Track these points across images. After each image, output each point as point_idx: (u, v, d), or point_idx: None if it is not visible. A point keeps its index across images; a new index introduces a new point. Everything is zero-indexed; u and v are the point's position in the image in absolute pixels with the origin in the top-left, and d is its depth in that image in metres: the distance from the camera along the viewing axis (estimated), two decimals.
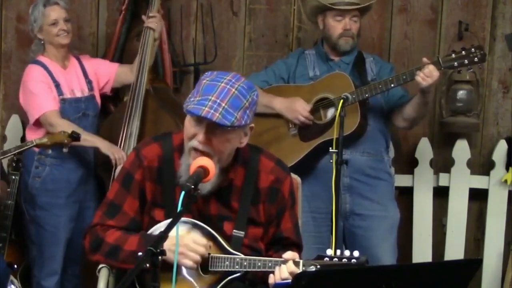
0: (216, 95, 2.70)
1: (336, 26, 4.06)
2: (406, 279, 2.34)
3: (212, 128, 2.72)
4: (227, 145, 2.78)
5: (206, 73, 2.84)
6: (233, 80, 2.78)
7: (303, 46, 4.57)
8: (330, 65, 4.12)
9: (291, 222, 2.98)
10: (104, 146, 4.15)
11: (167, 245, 2.58)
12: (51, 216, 4.21)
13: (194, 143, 2.75)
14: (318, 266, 2.63)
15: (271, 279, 2.73)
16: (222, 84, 2.75)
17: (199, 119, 2.72)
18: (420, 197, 4.69)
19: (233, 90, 2.74)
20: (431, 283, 2.38)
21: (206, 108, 2.68)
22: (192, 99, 2.73)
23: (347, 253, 2.64)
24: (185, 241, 2.74)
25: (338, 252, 2.66)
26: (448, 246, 4.66)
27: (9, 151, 3.93)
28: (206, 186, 2.77)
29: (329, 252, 2.66)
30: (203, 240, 2.80)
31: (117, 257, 2.89)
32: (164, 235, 2.40)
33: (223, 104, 2.70)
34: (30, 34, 4.27)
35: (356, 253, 2.63)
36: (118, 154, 4.12)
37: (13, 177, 4.23)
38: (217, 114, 2.67)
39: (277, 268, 2.71)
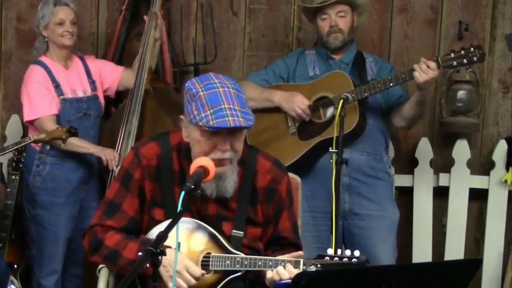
0: (226, 102, 2.72)
1: (323, 24, 4.08)
2: (406, 279, 2.34)
3: (232, 133, 2.74)
4: (242, 142, 2.82)
5: (189, 86, 2.84)
6: (223, 81, 2.80)
7: (303, 46, 4.58)
8: (330, 64, 4.12)
9: (289, 222, 2.99)
10: (96, 150, 4.17)
11: (163, 263, 2.58)
12: (51, 215, 4.21)
13: (218, 154, 2.76)
14: (319, 266, 2.64)
15: (269, 274, 2.73)
16: (220, 89, 2.75)
17: (215, 130, 2.74)
18: (420, 197, 4.68)
19: (232, 90, 2.76)
20: (431, 283, 2.38)
21: (230, 118, 2.69)
22: (203, 114, 2.72)
23: (347, 252, 2.64)
24: (179, 268, 2.74)
25: (339, 251, 2.66)
26: (448, 246, 4.66)
27: (7, 147, 3.94)
28: (231, 185, 2.80)
29: (330, 251, 2.66)
30: (197, 271, 2.81)
31: (116, 263, 2.90)
32: (164, 235, 2.40)
33: (237, 107, 2.72)
34: (35, 30, 4.27)
35: (356, 253, 2.63)
36: (110, 155, 4.13)
37: (13, 177, 4.28)
38: (241, 119, 2.69)
39: (278, 268, 2.71)
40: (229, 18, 4.74)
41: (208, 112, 2.71)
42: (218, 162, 2.76)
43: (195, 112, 2.74)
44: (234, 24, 4.75)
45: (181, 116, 2.90)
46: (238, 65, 4.74)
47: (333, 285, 2.32)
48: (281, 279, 2.69)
